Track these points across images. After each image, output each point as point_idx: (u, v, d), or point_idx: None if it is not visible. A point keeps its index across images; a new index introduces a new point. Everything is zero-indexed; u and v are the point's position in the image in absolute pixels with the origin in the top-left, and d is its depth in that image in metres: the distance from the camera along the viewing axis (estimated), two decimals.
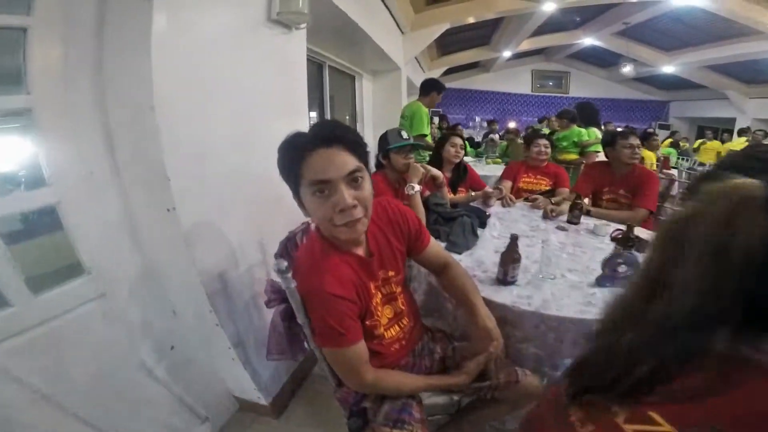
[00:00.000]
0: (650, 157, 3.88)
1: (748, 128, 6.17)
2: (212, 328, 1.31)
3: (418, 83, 6.81)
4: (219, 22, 1.32)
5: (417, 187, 1.71)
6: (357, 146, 0.87)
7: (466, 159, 2.78)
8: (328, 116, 3.77)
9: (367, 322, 0.97)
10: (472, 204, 2.17)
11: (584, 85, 11.30)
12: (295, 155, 0.84)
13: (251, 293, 1.52)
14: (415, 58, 5.41)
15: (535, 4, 4.74)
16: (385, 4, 3.75)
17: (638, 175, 2.22)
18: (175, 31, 1.11)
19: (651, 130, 7.84)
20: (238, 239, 1.44)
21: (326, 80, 3.66)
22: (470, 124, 9.98)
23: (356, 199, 0.85)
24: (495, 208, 2.25)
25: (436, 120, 7.28)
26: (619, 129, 6.34)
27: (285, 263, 0.84)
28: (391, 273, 1.05)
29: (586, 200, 2.37)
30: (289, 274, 0.84)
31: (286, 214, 1.74)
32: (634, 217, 2.10)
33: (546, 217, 2.11)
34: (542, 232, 1.87)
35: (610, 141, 2.26)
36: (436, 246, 1.19)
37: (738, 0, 4.71)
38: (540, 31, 6.54)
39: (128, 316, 1.22)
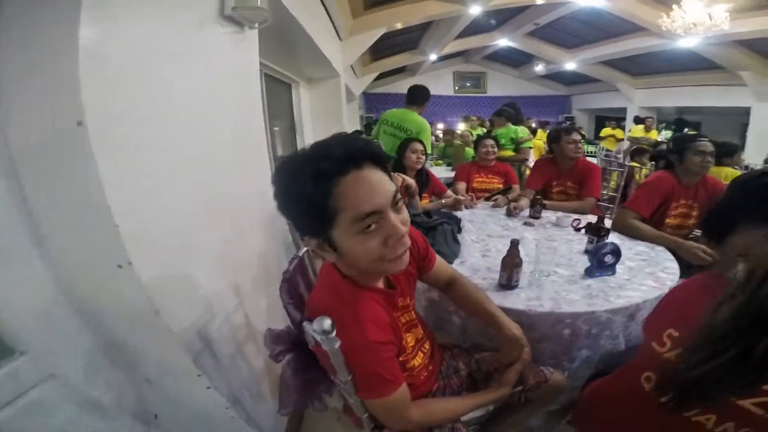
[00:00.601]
0: None
1: (644, 118, 7.07)
2: (204, 392, 1.11)
3: (354, 90, 6.83)
4: (166, 15, 1.08)
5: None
6: (382, 159, 0.71)
7: None
8: (267, 129, 3.52)
9: (401, 358, 0.88)
10: (442, 210, 2.16)
11: (500, 85, 12.14)
12: (318, 186, 0.63)
13: (235, 344, 1.34)
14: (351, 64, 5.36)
15: (462, 8, 4.94)
16: (325, 8, 3.64)
17: (582, 168, 2.40)
18: (110, 24, 0.86)
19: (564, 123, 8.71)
20: (211, 286, 1.23)
21: (263, 89, 3.42)
22: None
23: (404, 223, 0.71)
24: (460, 212, 2.27)
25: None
26: (533, 125, 6.96)
27: (329, 321, 0.68)
28: (407, 300, 0.98)
29: None
30: (333, 333, 0.68)
31: (255, 243, 1.59)
32: (584, 206, 2.28)
33: (510, 214, 2.18)
34: (514, 231, 1.93)
35: (555, 137, 2.41)
36: (441, 262, 1.14)
37: (630, 1, 5.36)
38: (461, 34, 6.85)
39: (91, 393, 0.98)
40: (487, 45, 9.03)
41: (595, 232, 1.61)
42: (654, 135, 6.56)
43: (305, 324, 0.79)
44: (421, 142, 2.30)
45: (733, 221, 0.79)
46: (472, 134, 5.13)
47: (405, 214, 0.74)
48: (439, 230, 1.65)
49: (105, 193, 0.82)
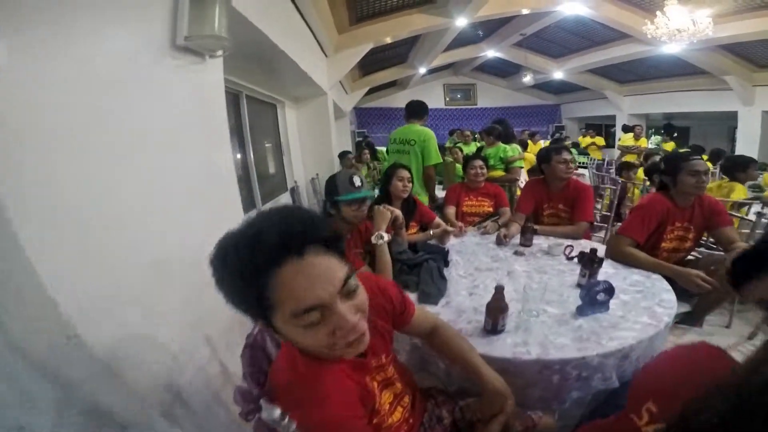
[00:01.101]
0: None
1: (632, 126, 7.06)
2: None
3: (343, 107, 6.79)
4: (104, 53, 0.99)
5: (386, 236, 1.53)
6: (334, 241, 0.64)
7: None
8: (249, 151, 3.43)
9: (375, 420, 0.82)
10: (429, 242, 2.06)
11: (489, 96, 12.13)
12: (251, 280, 0.56)
13: (211, 393, 1.28)
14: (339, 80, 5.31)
15: (448, 21, 4.92)
16: (308, 25, 3.59)
17: (573, 189, 2.30)
18: (36, 70, 0.79)
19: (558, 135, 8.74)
20: (177, 341, 1.17)
21: (244, 111, 3.35)
22: None
23: (357, 310, 0.64)
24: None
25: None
26: (525, 135, 6.90)
27: (278, 411, 0.62)
28: (382, 357, 0.91)
29: None
30: (285, 420, 0.62)
31: None
32: (577, 230, 2.18)
33: (500, 243, 2.09)
34: (504, 262, 1.84)
35: (545, 157, 2.32)
36: (420, 312, 1.08)
37: (613, 8, 5.36)
38: (449, 46, 6.86)
39: None
40: (476, 56, 9.05)
41: (588, 264, 1.53)
42: (644, 143, 6.53)
43: (262, 401, 0.71)
44: (407, 168, 2.20)
45: (762, 267, 0.75)
46: (461, 151, 5.05)
47: (360, 298, 0.66)
48: (424, 267, 1.56)
49: (35, 271, 0.75)
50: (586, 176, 5.41)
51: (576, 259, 1.77)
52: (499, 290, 1.17)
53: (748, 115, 6.90)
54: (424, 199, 3.04)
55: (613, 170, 3.86)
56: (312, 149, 4.72)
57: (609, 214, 3.03)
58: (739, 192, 2.94)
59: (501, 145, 3.71)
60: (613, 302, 1.36)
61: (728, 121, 7.72)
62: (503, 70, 10.69)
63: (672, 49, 5.72)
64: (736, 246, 1.75)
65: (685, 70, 7.14)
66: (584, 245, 2.03)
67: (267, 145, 4.20)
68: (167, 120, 1.24)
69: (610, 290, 1.32)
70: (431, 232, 2.17)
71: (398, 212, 1.70)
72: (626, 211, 3.33)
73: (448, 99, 12.09)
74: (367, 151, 5.26)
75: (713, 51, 6.00)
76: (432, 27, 5.15)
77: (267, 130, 4.19)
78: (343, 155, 4.66)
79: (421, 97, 11.64)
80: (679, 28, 4.46)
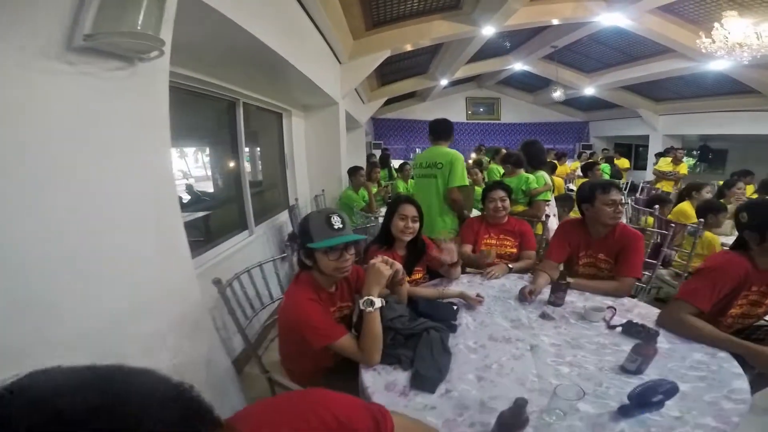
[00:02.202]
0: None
1: (671, 147, 6.46)
2: None
3: (358, 117, 6.48)
4: None
5: (378, 303, 1.20)
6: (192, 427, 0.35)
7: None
8: (243, 164, 3.08)
9: None
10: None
11: (513, 111, 11.60)
12: None
13: None
14: (355, 89, 5.01)
15: (473, 29, 4.57)
16: (319, 30, 3.30)
17: (620, 237, 1.84)
18: None
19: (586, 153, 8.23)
20: None
21: (240, 121, 3.05)
22: (411, 155, 9.58)
23: None
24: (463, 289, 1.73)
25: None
26: (550, 152, 6.32)
27: None
28: None
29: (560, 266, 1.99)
30: None
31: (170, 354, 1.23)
32: (620, 289, 1.75)
33: (523, 300, 1.67)
34: (527, 329, 1.44)
35: (587, 196, 1.86)
36: (402, 427, 0.74)
37: (657, 20, 4.84)
38: (473, 57, 6.51)
39: None
40: (502, 69, 8.63)
41: (643, 348, 1.14)
42: (684, 169, 5.89)
43: None
44: (414, 204, 1.82)
45: None
46: (481, 172, 4.60)
47: None
48: (423, 339, 1.21)
49: None
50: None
51: (620, 329, 1.39)
52: (521, 405, 0.81)
53: None
54: (450, 221, 2.68)
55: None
56: (319, 162, 4.38)
57: (654, 262, 2.38)
58: None
59: (522, 174, 3.18)
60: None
61: None
62: (530, 84, 10.22)
63: (720, 65, 5.20)
64: None
65: (727, 88, 6.54)
66: (628, 305, 1.63)
67: (268, 157, 3.91)
68: (57, 144, 0.95)
69: (672, 391, 0.96)
70: (444, 290, 1.73)
71: (399, 266, 1.35)
72: (672, 254, 2.80)
73: (470, 113, 11.62)
74: (378, 169, 4.75)
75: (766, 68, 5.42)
76: (455, 35, 4.80)
77: (270, 141, 3.90)
78: (353, 171, 4.11)
79: (443, 110, 11.29)
80: (741, 42, 3.95)
